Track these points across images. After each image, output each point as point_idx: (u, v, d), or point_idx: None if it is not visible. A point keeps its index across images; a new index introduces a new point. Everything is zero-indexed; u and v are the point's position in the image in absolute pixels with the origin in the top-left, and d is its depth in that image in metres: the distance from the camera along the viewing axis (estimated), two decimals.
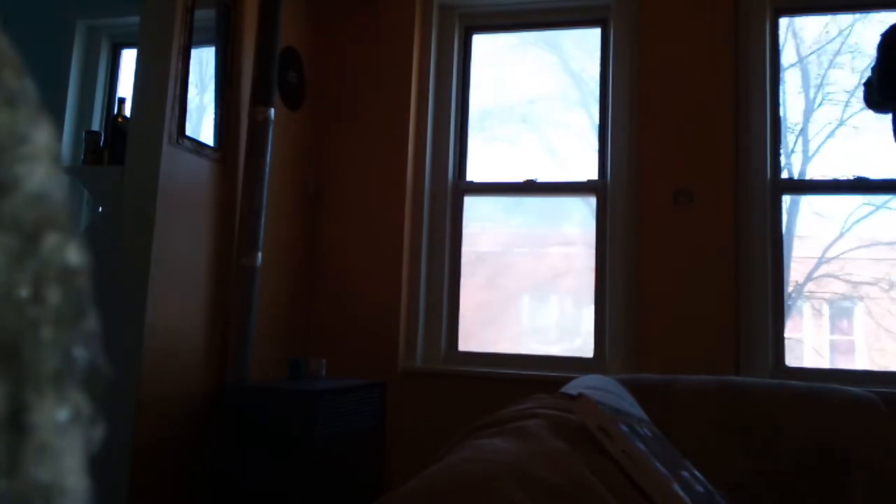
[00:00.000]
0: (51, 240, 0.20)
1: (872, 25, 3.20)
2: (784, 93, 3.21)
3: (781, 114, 3.19)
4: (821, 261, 3.45)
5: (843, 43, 3.24)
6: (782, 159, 3.19)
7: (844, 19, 3.23)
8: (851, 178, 3.07)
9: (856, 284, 3.45)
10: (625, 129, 3.22)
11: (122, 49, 3.77)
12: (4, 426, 0.18)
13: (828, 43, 3.25)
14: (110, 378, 0.21)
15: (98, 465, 0.21)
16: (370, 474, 2.97)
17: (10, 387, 0.18)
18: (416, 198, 3.41)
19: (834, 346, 3.85)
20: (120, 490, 2.39)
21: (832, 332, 3.80)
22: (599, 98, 3.40)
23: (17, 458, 0.18)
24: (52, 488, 0.19)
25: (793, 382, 2.18)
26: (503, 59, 3.69)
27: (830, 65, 3.26)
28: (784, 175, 3.17)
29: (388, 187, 3.39)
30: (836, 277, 3.49)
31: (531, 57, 3.68)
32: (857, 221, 3.24)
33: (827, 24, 3.26)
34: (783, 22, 3.25)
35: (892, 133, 2.57)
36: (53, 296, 0.20)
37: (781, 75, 3.22)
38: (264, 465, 2.59)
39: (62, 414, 0.19)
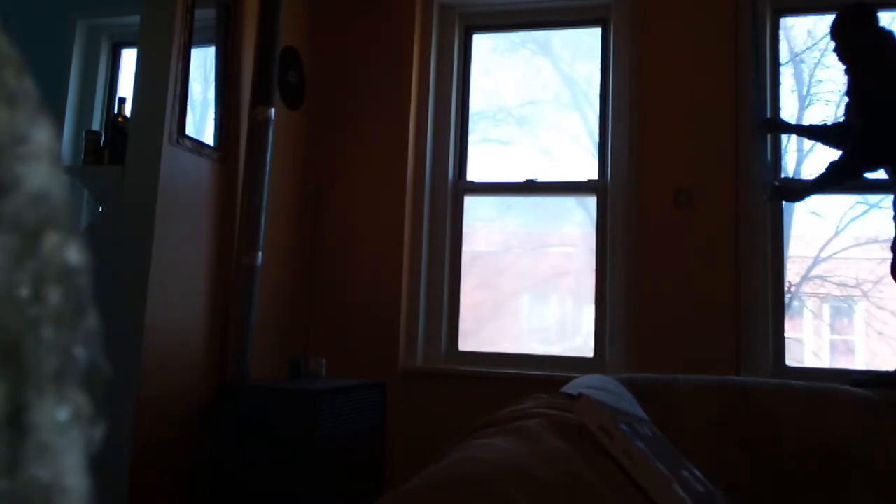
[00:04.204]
0: (51, 240, 0.20)
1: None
2: (782, 91, 3.21)
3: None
4: (817, 260, 3.46)
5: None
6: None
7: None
8: None
9: (852, 284, 3.46)
10: (625, 128, 3.22)
11: (122, 49, 3.77)
12: (4, 426, 0.18)
13: (817, 42, 3.25)
14: (110, 378, 0.21)
15: (98, 465, 0.21)
16: (370, 474, 2.97)
17: (10, 387, 0.18)
18: (416, 197, 3.41)
19: (833, 346, 3.86)
20: (120, 490, 2.39)
21: (831, 331, 3.80)
22: (599, 98, 3.40)
23: (17, 458, 0.18)
24: (52, 488, 0.19)
25: (793, 382, 2.18)
26: (494, 62, 3.69)
27: (818, 64, 3.26)
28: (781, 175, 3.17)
29: (388, 187, 3.39)
30: (832, 278, 3.49)
31: (522, 60, 3.68)
32: (853, 220, 3.24)
33: (815, 23, 3.27)
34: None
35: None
36: (53, 295, 0.20)
37: (780, 74, 3.22)
38: (264, 464, 2.59)
39: (62, 414, 0.19)
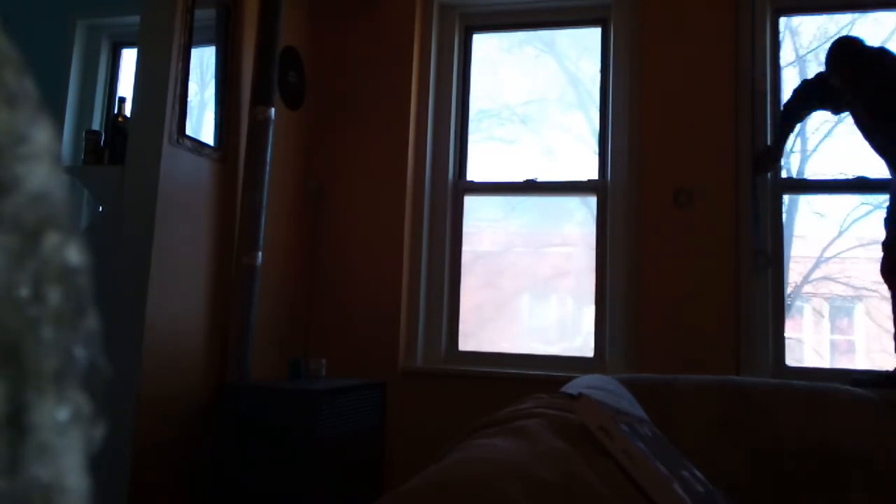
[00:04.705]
0: (51, 240, 0.20)
1: (869, 24, 3.21)
2: (782, 91, 3.21)
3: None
4: (819, 260, 3.45)
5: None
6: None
7: (843, 18, 3.24)
8: (852, 177, 3.07)
9: (855, 286, 3.46)
10: (625, 128, 3.22)
11: (122, 49, 3.77)
12: (4, 426, 0.18)
13: (824, 42, 3.25)
14: (110, 378, 0.21)
15: (98, 465, 0.21)
16: (370, 474, 2.97)
17: (10, 387, 0.18)
18: (416, 197, 3.41)
19: (834, 346, 3.86)
20: (120, 490, 2.39)
21: (832, 331, 3.80)
22: (599, 98, 3.40)
23: (17, 458, 0.18)
24: (52, 488, 0.19)
25: (793, 382, 2.18)
26: (499, 60, 3.69)
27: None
28: (783, 174, 3.17)
29: (388, 187, 3.39)
30: (834, 278, 3.49)
31: (526, 58, 3.68)
32: (856, 221, 3.24)
33: (824, 23, 3.27)
34: (781, 21, 3.25)
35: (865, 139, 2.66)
36: (53, 295, 0.20)
37: (780, 74, 3.22)
38: (264, 464, 2.59)
39: (62, 414, 0.19)
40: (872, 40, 3.10)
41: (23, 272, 0.19)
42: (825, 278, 3.51)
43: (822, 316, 3.67)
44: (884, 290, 2.76)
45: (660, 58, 3.20)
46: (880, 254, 2.71)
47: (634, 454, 1.15)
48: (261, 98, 3.00)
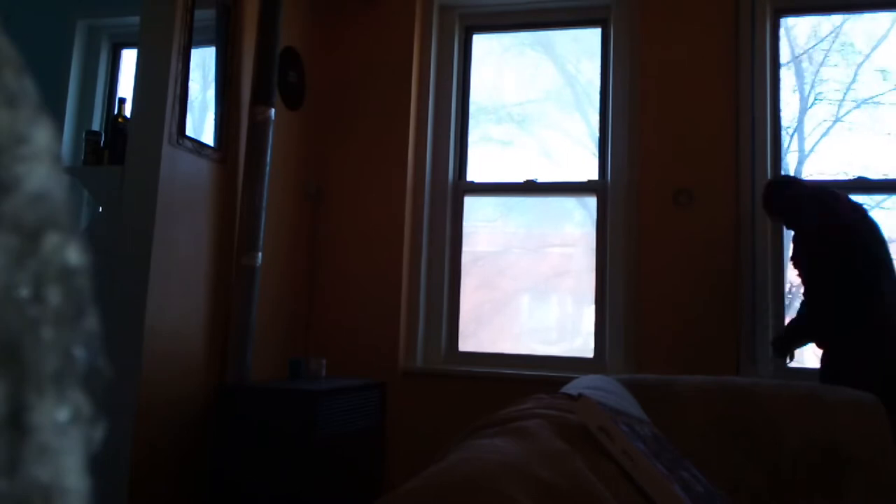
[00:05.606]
0: (51, 240, 0.20)
1: (864, 21, 3.21)
2: (782, 91, 3.21)
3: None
4: None
5: (833, 41, 3.24)
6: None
7: (836, 17, 3.24)
8: (853, 178, 3.07)
9: None
10: (625, 129, 3.22)
11: (122, 49, 3.78)
12: (4, 426, 0.18)
13: (819, 42, 3.25)
14: (110, 378, 0.21)
15: (98, 465, 0.21)
16: (370, 474, 2.97)
17: (10, 387, 0.18)
18: (416, 197, 3.41)
19: None
20: (120, 491, 2.39)
21: None
22: (599, 98, 3.40)
23: (17, 458, 0.18)
24: (52, 488, 0.19)
25: (793, 383, 2.18)
26: (497, 61, 3.69)
27: (823, 63, 3.26)
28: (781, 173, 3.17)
29: (388, 187, 3.39)
30: None
31: (525, 59, 3.68)
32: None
33: (820, 22, 3.27)
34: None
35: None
36: (53, 296, 0.20)
37: (780, 74, 3.22)
38: (264, 465, 2.59)
39: (62, 414, 0.19)
40: (868, 43, 3.12)
41: (23, 272, 0.19)
42: None
43: None
44: None
45: (659, 58, 3.20)
46: None
47: (634, 455, 1.15)
48: (261, 98, 3.00)
